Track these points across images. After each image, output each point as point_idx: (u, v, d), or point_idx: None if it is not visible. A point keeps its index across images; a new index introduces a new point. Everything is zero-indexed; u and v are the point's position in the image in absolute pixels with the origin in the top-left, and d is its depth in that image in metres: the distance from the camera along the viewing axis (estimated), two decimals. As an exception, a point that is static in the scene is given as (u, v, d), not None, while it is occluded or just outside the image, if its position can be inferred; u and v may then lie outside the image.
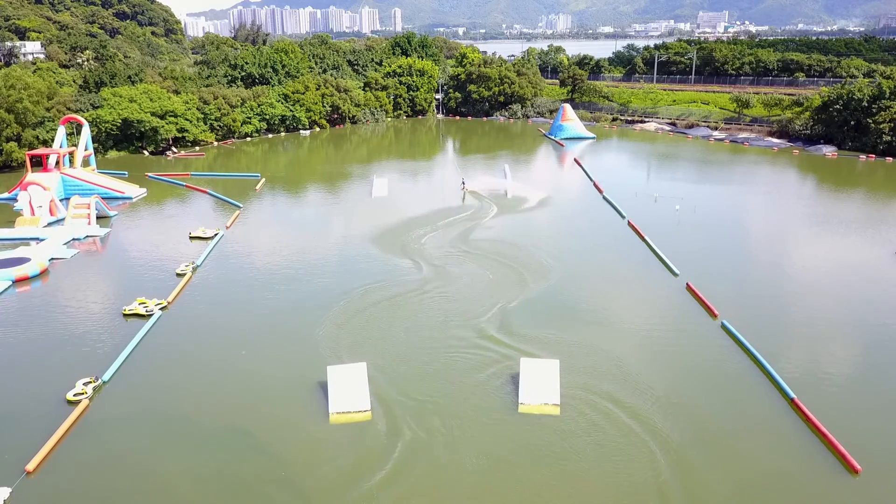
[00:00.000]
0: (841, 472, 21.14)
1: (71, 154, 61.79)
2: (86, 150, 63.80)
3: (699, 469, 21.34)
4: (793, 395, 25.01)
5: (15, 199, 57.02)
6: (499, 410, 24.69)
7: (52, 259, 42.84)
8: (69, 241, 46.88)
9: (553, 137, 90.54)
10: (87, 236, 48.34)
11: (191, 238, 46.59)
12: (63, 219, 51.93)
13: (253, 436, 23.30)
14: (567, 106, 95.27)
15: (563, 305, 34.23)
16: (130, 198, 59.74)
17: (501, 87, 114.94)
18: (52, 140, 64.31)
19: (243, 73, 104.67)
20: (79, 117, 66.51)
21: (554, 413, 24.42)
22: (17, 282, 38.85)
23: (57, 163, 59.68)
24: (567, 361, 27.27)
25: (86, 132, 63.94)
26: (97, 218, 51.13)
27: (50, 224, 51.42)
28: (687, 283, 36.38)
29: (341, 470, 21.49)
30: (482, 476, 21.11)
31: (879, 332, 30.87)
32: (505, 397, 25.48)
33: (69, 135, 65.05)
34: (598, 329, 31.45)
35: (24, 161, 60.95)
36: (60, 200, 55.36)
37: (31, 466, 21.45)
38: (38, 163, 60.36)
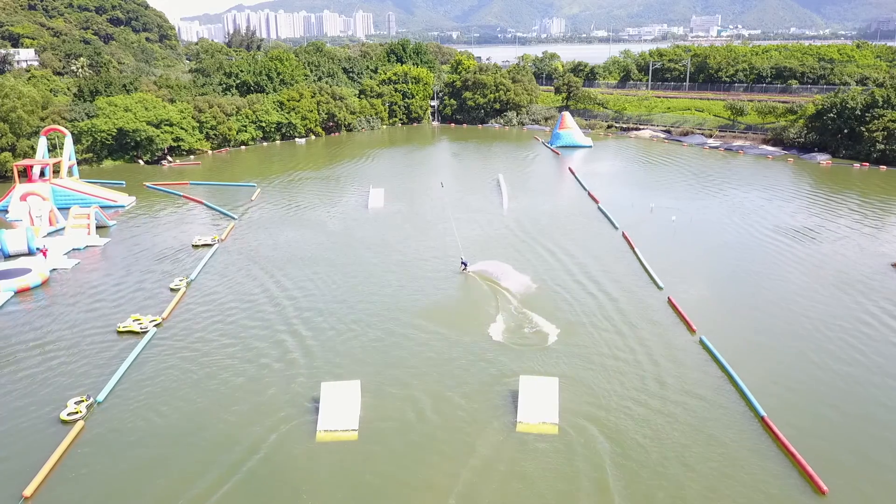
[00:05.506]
0: (808, 493, 21.20)
1: (57, 164, 61.69)
2: (69, 160, 63.72)
3: (662, 489, 21.42)
4: (763, 413, 25.05)
5: (6, 210, 56.96)
6: (496, 429, 24.71)
7: (54, 269, 42.82)
8: (69, 251, 46.88)
9: (551, 146, 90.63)
10: (87, 246, 48.31)
11: (194, 247, 47.40)
12: (62, 228, 51.91)
13: (249, 456, 23.25)
14: (566, 114, 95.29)
15: (542, 317, 34.31)
16: (123, 206, 59.81)
17: (497, 94, 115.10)
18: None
19: (238, 81, 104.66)
20: (61, 128, 66.44)
21: (552, 432, 24.45)
22: (19, 292, 38.96)
23: (42, 173, 59.63)
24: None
25: (69, 142, 63.79)
26: (96, 227, 51.22)
27: (49, 234, 51.40)
28: (669, 298, 36.49)
29: (331, 487, 21.51)
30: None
31: (863, 350, 30.56)
32: (503, 416, 25.51)
33: (52, 148, 64.94)
34: (572, 345, 31.38)
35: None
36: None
37: (28, 492, 21.34)
38: (23, 173, 60.37)
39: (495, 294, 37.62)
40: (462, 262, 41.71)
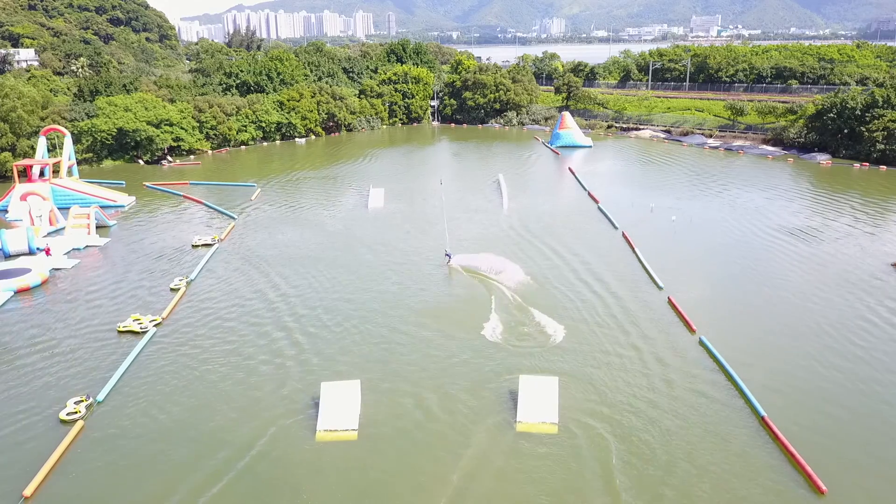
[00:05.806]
0: (807, 492, 21.18)
1: (57, 164, 61.64)
2: (69, 159, 63.67)
3: (664, 487, 21.42)
4: (763, 412, 25.00)
5: (6, 210, 56.92)
6: (496, 428, 24.70)
7: (54, 270, 42.78)
8: (69, 251, 46.85)
9: (551, 146, 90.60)
10: (87, 246, 48.28)
11: (194, 246, 47.37)
12: (62, 228, 51.89)
13: (249, 455, 23.23)
14: (566, 114, 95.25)
15: (541, 315, 34.35)
16: (123, 206, 59.79)
17: (497, 94, 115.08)
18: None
19: (238, 81, 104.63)
20: (61, 128, 66.39)
21: (551, 432, 24.44)
22: (19, 292, 38.95)
23: (42, 173, 59.58)
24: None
25: (68, 142, 63.72)
26: (96, 227, 51.17)
27: (49, 234, 51.37)
28: (669, 298, 36.47)
29: (330, 486, 21.50)
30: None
31: (864, 349, 30.53)
32: (503, 415, 25.50)
33: (52, 148, 64.92)
34: (571, 344, 31.32)
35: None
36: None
37: (28, 492, 21.31)
38: (23, 173, 60.32)
39: (492, 291, 37.59)
40: (446, 255, 42.39)
